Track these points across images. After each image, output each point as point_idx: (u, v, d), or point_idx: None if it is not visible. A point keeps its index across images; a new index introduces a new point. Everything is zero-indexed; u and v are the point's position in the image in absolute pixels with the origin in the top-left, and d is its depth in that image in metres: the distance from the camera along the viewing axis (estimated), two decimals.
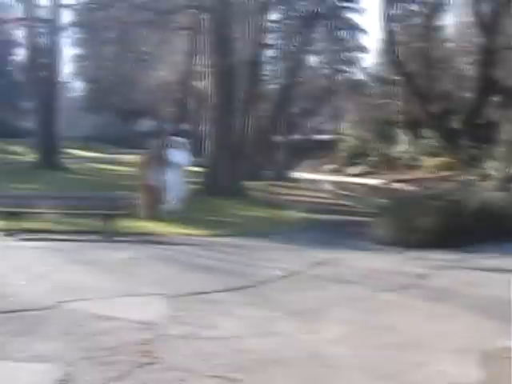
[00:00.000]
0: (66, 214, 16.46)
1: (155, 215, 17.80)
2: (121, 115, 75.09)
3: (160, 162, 19.59)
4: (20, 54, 68.78)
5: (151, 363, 6.73)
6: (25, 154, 42.63)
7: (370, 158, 53.09)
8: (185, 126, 46.67)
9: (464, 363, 7.16)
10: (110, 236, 14.81)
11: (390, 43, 40.62)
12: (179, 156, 20.48)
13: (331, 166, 58.98)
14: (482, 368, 7.04)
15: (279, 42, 55.52)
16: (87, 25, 30.02)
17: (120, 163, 38.32)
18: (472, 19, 38.52)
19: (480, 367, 7.06)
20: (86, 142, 63.16)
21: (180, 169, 20.34)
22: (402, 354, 7.37)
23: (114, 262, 12.09)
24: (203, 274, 11.16)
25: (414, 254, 13.50)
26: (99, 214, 15.36)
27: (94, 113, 77.76)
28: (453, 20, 57.27)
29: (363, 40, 69.79)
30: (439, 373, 6.86)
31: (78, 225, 16.19)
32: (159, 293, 9.64)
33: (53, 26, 34.32)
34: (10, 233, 15.05)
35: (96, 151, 55.10)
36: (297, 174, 50.24)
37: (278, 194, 31.51)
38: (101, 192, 19.05)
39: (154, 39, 34.29)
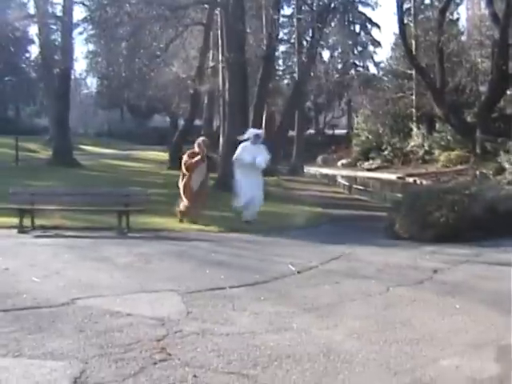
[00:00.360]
0: (80, 210, 16.49)
1: (200, 220, 16.89)
2: (134, 111, 75.32)
3: (206, 161, 17.12)
4: (33, 52, 69.21)
5: (165, 360, 6.71)
6: (39, 151, 42.83)
7: (384, 153, 53.02)
8: (198, 122, 46.72)
9: (480, 358, 7.10)
10: (125, 232, 14.85)
11: (404, 37, 40.47)
12: (256, 154, 17.50)
13: (345, 161, 58.96)
14: (498, 363, 6.99)
15: (293, 36, 55.51)
16: (100, 21, 30.01)
17: (134, 159, 38.44)
18: (486, 12, 38.35)
19: (496, 362, 7.01)
20: (100, 139, 63.47)
21: (257, 170, 17.62)
22: (418, 348, 7.32)
23: (128, 258, 12.08)
24: (218, 269, 11.13)
25: (429, 248, 13.43)
26: (113, 211, 15.38)
27: (108, 109, 78.06)
28: (467, 13, 57.12)
29: (377, 34, 69.59)
30: (455, 368, 6.81)
31: (92, 221, 16.23)
32: (174, 289, 9.62)
33: (65, 23, 34.39)
34: (23, 230, 15.09)
35: (109, 147, 55.32)
36: (311, 169, 50.24)
37: (293, 189, 31.51)
38: (115, 188, 19.06)
39: (167, 35, 34.28)
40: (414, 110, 54.31)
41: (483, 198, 14.90)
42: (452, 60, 46.74)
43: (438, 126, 47.42)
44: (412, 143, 50.97)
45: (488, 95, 35.92)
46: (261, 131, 18.30)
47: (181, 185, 17.21)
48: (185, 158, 17.26)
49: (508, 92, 36.51)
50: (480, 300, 9.40)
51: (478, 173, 21.63)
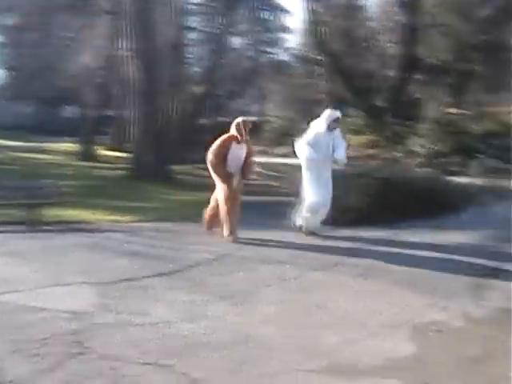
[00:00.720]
0: None
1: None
2: (43, 102, 73.78)
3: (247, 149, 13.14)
4: None
5: (82, 353, 6.59)
6: None
7: (295, 138, 53.33)
8: (109, 112, 46.05)
9: (396, 338, 7.23)
10: (36, 226, 14.50)
11: (313, 23, 40.75)
12: (336, 144, 13.36)
13: (258, 147, 59.07)
14: (414, 342, 7.12)
15: (202, 24, 55.23)
16: (6, 10, 29.25)
17: (44, 151, 37.60)
18: None
19: (411, 341, 7.14)
20: (9, 131, 61.89)
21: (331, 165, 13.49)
22: (335, 331, 7.39)
23: (40, 251, 11.79)
24: (132, 259, 10.99)
25: (343, 232, 13.56)
26: (23, 204, 15.01)
27: (16, 101, 76.26)
28: None
29: (287, 21, 69.91)
30: (373, 348, 6.91)
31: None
32: (87, 281, 9.45)
33: None
34: None
35: (19, 140, 54.02)
36: None
37: (204, 177, 31.37)
38: (24, 181, 18.56)
39: (76, 24, 33.61)
40: (324, 96, 54.74)
41: (395, 181, 15.14)
42: (361, 45, 47.26)
43: (348, 110, 47.91)
44: None
45: (397, 79, 36.53)
46: (339, 113, 13.23)
47: (220, 189, 13.15)
48: (213, 149, 12.83)
49: (416, 76, 37.19)
50: (394, 281, 9.57)
51: (389, 156, 21.97)
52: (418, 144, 23.49)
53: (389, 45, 46.35)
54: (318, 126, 13.20)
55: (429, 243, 12.21)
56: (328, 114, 13.20)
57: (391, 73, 39.79)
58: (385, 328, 7.55)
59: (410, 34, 34.21)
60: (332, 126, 13.06)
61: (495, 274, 10.12)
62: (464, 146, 21.58)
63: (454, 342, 7.18)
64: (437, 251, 11.53)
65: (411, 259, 10.99)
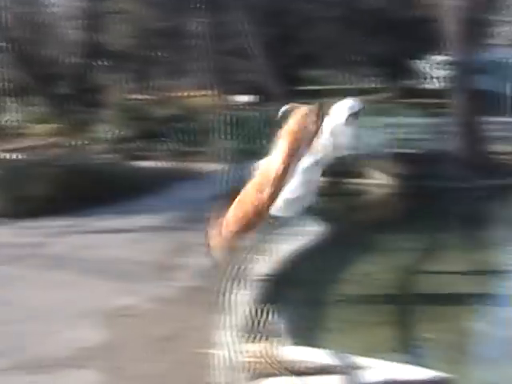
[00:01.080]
0: None
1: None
2: None
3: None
4: None
5: None
6: None
7: None
8: None
9: (88, 327, 7.18)
10: None
11: None
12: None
13: None
14: (106, 329, 7.11)
15: None
16: None
17: None
18: None
19: (104, 328, 7.13)
20: None
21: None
22: (25, 327, 7.19)
23: None
24: None
25: (26, 223, 12.96)
26: None
27: None
28: None
29: None
30: (65, 340, 6.82)
31: None
32: None
33: None
34: None
35: None
36: None
37: None
38: None
39: None
40: (7, 84, 52.80)
41: (80, 168, 14.91)
42: (44, 31, 46.13)
43: (32, 99, 46.64)
44: (7, 117, 49.63)
45: (81, 66, 36.17)
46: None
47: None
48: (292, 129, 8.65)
49: (100, 63, 37.10)
50: (84, 270, 9.46)
51: (74, 143, 21.70)
52: (103, 130, 23.44)
53: (72, 31, 45.77)
54: (334, 118, 10.03)
55: (115, 228, 12.13)
56: (348, 104, 10.27)
57: (75, 60, 39.30)
58: (76, 318, 7.49)
59: (93, 20, 33.98)
60: (350, 121, 10.12)
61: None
62: (148, 131, 21.89)
63: (145, 325, 7.29)
64: (123, 236, 11.54)
65: (99, 246, 10.89)
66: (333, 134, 9.61)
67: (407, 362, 6.64)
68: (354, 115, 9.89)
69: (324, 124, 9.10)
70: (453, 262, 11.28)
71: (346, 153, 9.98)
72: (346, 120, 9.72)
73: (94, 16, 33.75)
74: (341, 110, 9.92)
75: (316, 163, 9.30)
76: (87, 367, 6.23)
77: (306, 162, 9.03)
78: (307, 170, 9.12)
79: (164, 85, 32.62)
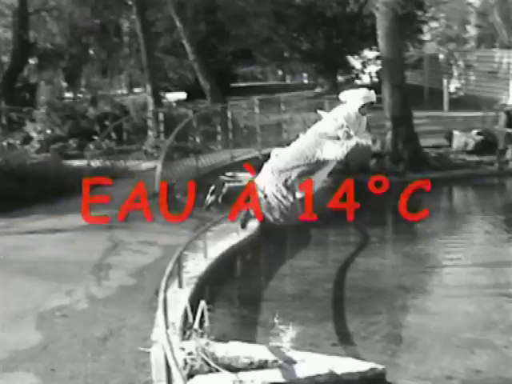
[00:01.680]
0: None
1: None
2: None
3: None
4: None
5: None
6: None
7: None
8: None
9: (22, 329, 7.09)
10: None
11: None
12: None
13: None
14: (41, 330, 7.05)
15: None
16: None
17: None
18: None
19: (38, 330, 7.07)
20: None
21: None
22: None
23: None
24: None
25: None
26: None
27: None
28: None
29: None
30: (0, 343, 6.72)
31: None
32: None
33: None
34: None
35: None
36: None
37: None
38: None
39: None
40: None
41: (11, 168, 14.66)
42: None
43: None
44: None
45: (11, 65, 35.59)
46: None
47: None
48: None
49: (31, 61, 36.56)
50: (18, 271, 9.32)
51: (5, 143, 21.33)
52: (35, 130, 23.11)
53: (2, 30, 44.98)
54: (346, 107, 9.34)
55: (47, 228, 11.89)
56: (363, 94, 9.53)
57: (5, 58, 38.62)
58: (10, 320, 7.38)
59: (22, 18, 33.47)
60: (363, 111, 9.43)
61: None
62: (81, 129, 21.69)
63: (82, 325, 7.24)
64: (56, 236, 11.37)
65: (31, 246, 10.70)
66: (347, 121, 8.96)
67: (344, 355, 6.78)
68: (370, 105, 9.26)
69: (338, 111, 8.88)
70: (385, 255, 11.53)
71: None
72: (360, 109, 9.10)
73: (24, 14, 33.13)
74: (355, 98, 9.35)
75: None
76: (24, 369, 6.17)
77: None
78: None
79: (97, 83, 32.32)
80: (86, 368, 6.19)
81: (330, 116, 8.80)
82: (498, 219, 14.91)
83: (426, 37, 41.37)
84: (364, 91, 9.42)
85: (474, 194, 18.30)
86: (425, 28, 39.49)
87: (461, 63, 33.84)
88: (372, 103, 9.17)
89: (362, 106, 9.03)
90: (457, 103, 26.51)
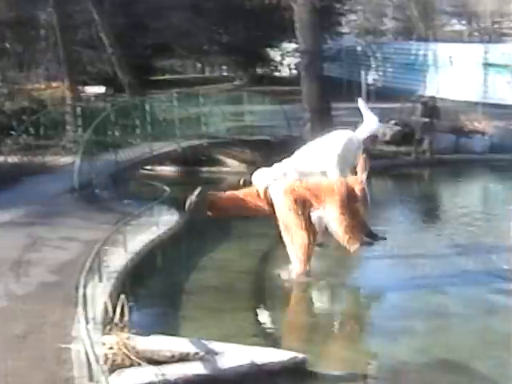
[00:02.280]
0: None
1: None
2: None
3: None
4: None
5: None
6: None
7: None
8: None
9: None
10: None
11: None
12: None
13: None
14: None
15: None
16: None
17: None
18: None
19: None
20: None
21: None
22: None
23: None
24: None
25: None
26: None
27: None
28: None
29: None
30: None
31: None
32: None
33: None
34: None
35: None
36: None
37: None
38: None
39: None
40: None
41: None
42: None
43: None
44: None
45: None
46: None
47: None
48: None
49: None
50: None
51: None
52: None
53: None
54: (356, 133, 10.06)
55: None
56: (374, 124, 10.23)
57: None
58: None
59: None
60: (367, 144, 10.04)
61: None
62: None
63: (1, 323, 7.12)
64: None
65: None
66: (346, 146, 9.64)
67: (265, 346, 6.88)
68: (373, 138, 10.17)
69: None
70: None
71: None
72: (364, 140, 9.85)
73: None
74: (364, 128, 10.11)
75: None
76: None
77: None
78: None
79: (13, 77, 31.69)
80: (5, 366, 6.12)
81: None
82: (415, 209, 15.27)
83: (344, 29, 42.01)
84: (374, 120, 10.26)
85: (392, 183, 18.67)
86: (343, 20, 40.08)
87: (378, 55, 34.50)
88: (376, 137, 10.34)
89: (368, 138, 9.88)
90: (375, 95, 26.90)
